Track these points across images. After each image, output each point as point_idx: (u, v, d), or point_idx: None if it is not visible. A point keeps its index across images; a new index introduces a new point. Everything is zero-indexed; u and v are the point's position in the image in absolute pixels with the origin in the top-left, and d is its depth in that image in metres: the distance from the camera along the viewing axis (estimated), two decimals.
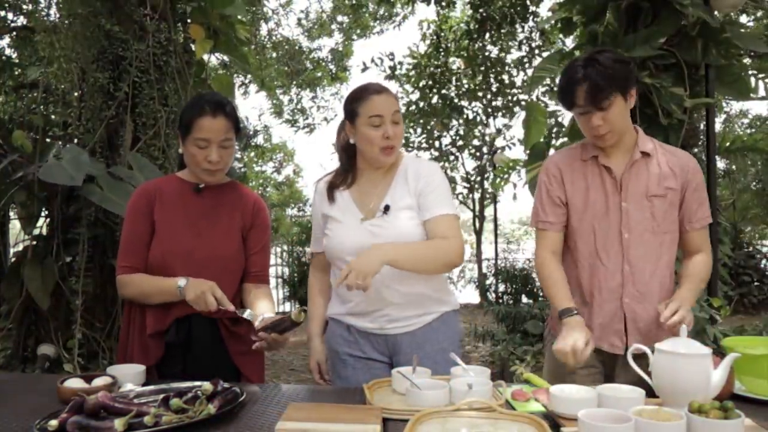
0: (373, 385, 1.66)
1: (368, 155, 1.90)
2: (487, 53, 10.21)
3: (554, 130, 7.27)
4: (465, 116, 11.10)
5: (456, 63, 10.97)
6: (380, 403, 1.51)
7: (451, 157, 12.03)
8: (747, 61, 4.22)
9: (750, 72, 4.06)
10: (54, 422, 1.31)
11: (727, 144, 4.89)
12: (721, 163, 11.06)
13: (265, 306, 1.93)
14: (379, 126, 1.84)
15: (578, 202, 1.95)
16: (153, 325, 1.89)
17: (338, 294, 1.99)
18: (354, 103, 1.88)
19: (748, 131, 12.64)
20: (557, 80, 1.89)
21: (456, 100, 10.92)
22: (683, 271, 1.94)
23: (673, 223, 1.91)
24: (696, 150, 4.16)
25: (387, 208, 1.90)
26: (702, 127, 4.11)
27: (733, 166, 11.57)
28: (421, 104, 11.00)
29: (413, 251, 1.82)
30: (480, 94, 10.68)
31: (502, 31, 9.48)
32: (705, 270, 1.93)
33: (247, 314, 1.81)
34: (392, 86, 11.18)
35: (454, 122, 11.31)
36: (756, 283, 10.09)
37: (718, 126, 12.00)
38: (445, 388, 1.51)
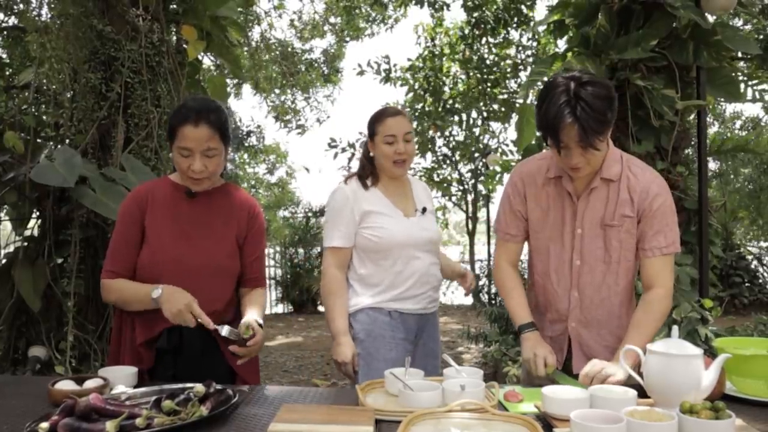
0: (366, 386, 1.66)
1: (384, 167, 2.22)
2: (482, 55, 10.24)
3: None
4: (460, 118, 11.11)
5: (453, 68, 10.99)
6: (373, 404, 1.51)
7: (447, 160, 12.05)
8: (742, 65, 4.25)
9: (740, 78, 4.10)
10: (45, 425, 1.30)
11: (719, 145, 4.93)
12: (712, 164, 11.14)
13: (251, 314, 1.91)
14: (392, 144, 2.17)
15: (536, 220, 1.92)
16: (142, 333, 1.87)
17: (381, 283, 2.17)
18: (374, 124, 2.22)
19: (742, 133, 12.74)
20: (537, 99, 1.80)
21: (451, 102, 10.93)
22: (633, 316, 1.82)
23: (629, 251, 1.85)
24: (688, 151, 4.19)
25: (425, 210, 2.29)
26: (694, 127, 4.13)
27: (724, 166, 11.65)
28: (418, 106, 11.01)
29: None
30: (475, 97, 10.69)
31: (500, 38, 9.53)
32: (656, 315, 1.79)
33: (225, 332, 1.77)
34: (388, 89, 11.18)
35: (449, 125, 11.31)
36: (746, 284, 10.16)
37: (714, 130, 12.09)
38: (437, 390, 1.51)
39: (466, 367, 1.73)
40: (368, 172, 2.26)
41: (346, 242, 2.18)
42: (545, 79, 4.24)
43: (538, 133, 4.47)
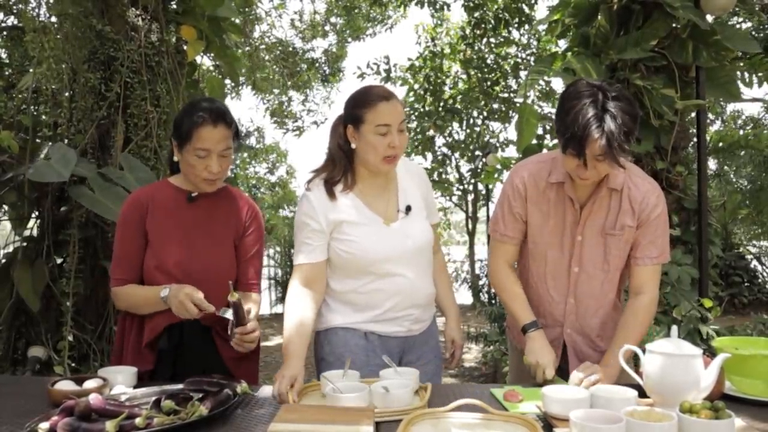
0: (304, 388, 1.67)
1: (369, 162, 1.84)
2: (483, 55, 10.24)
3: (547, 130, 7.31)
4: (460, 118, 11.10)
5: (454, 68, 10.99)
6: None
7: (447, 160, 12.06)
8: (741, 64, 4.25)
9: (743, 67, 4.09)
10: (45, 425, 1.30)
11: (717, 141, 4.93)
12: (712, 164, 11.14)
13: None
14: (386, 135, 1.78)
15: (536, 224, 1.90)
16: (148, 335, 1.88)
17: (356, 302, 1.88)
18: (360, 108, 1.81)
19: (741, 132, 12.75)
20: (557, 98, 1.79)
21: (451, 102, 10.94)
22: (621, 320, 1.83)
23: (626, 260, 1.86)
24: (689, 150, 4.19)
25: (409, 209, 1.90)
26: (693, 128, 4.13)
27: (725, 167, 11.66)
28: (417, 106, 11.01)
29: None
30: (476, 97, 10.69)
31: (501, 38, 9.53)
32: (643, 321, 1.81)
33: (228, 314, 1.77)
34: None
35: (449, 125, 11.32)
36: (746, 284, 10.16)
37: (715, 128, 12.08)
38: (364, 391, 1.51)
39: (406, 368, 1.73)
40: (341, 171, 1.88)
41: (314, 257, 1.85)
42: (545, 78, 4.25)
43: (539, 131, 4.46)
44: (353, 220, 1.84)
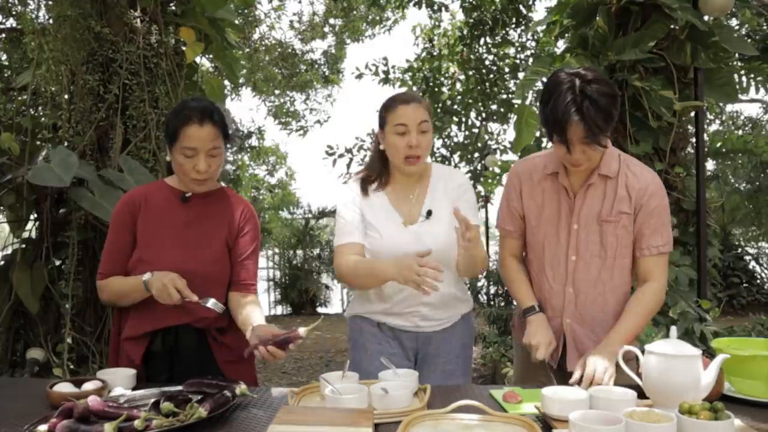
0: (302, 391, 1.67)
1: (394, 162, 1.99)
2: (481, 56, 10.24)
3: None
4: (459, 120, 11.10)
5: (452, 69, 11.00)
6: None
7: (445, 162, 12.05)
8: (737, 63, 4.25)
9: (741, 71, 4.10)
10: (43, 427, 1.30)
11: (718, 145, 4.93)
12: (711, 165, 11.14)
13: (257, 315, 1.87)
14: (404, 134, 1.92)
15: (532, 216, 1.95)
16: (129, 330, 1.89)
17: (370, 294, 2.02)
18: (384, 111, 1.98)
19: (739, 133, 12.76)
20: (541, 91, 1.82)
21: (450, 104, 10.94)
22: (626, 306, 1.85)
23: (625, 247, 1.87)
24: (688, 150, 4.20)
25: (429, 213, 2.00)
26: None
27: (723, 167, 11.66)
28: None
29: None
30: (473, 99, 10.69)
31: (497, 38, 9.54)
32: (648, 305, 1.82)
33: (210, 304, 1.78)
34: (388, 91, 11.17)
35: (448, 126, 11.31)
36: (745, 285, 10.17)
37: (714, 128, 12.10)
38: (363, 392, 1.52)
39: (406, 369, 1.73)
40: (377, 171, 2.04)
41: (356, 237, 1.98)
42: (544, 79, 4.25)
43: (537, 133, 4.46)
44: (376, 216, 1.99)
